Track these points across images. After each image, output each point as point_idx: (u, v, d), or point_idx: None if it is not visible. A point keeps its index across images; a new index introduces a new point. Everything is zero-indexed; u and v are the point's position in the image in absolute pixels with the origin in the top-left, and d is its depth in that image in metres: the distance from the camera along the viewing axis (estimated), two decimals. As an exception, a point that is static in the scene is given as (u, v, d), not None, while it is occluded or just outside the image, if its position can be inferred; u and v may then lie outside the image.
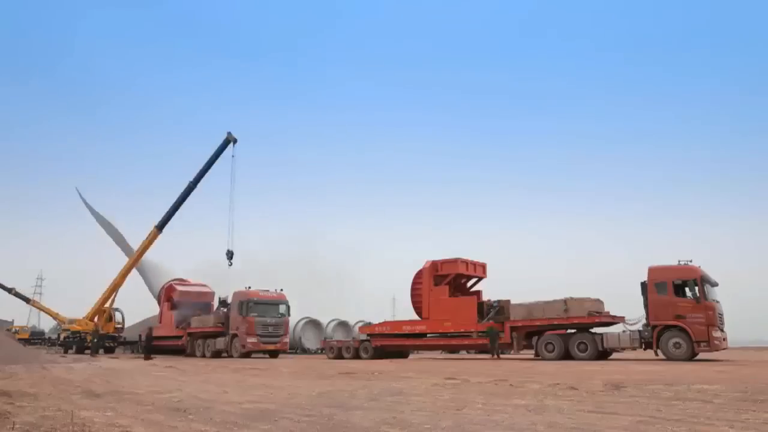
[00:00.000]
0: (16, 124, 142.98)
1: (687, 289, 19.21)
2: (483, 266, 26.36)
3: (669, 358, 18.60)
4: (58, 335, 45.93)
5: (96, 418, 6.09)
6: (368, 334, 26.64)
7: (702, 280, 19.02)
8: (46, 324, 68.52)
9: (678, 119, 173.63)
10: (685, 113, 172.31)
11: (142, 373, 14.28)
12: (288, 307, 27.58)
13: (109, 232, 40.60)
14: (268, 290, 27.66)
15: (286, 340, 28.01)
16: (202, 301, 32.18)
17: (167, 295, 32.60)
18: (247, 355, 25.82)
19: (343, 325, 38.34)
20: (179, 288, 32.54)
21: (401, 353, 26.89)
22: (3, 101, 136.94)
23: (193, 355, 28.69)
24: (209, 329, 28.17)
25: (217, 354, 27.27)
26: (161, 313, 33.11)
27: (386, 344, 25.60)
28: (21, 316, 71.29)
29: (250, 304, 26.36)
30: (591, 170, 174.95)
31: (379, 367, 16.70)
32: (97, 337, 33.36)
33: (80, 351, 34.04)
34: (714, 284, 20.02)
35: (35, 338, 55.42)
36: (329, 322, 37.78)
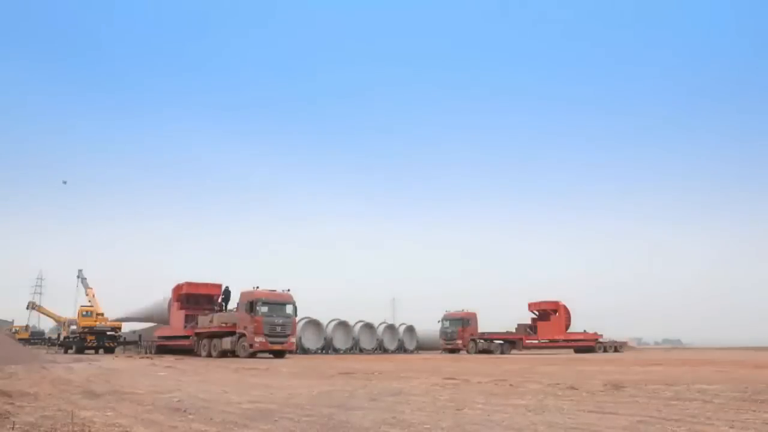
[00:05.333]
0: (15, 123, 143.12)
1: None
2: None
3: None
4: (58, 335, 45.97)
5: (96, 418, 6.09)
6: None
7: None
8: (46, 324, 68.47)
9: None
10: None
11: (142, 373, 14.27)
12: (295, 307, 27.32)
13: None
14: (275, 290, 27.41)
15: (293, 340, 27.83)
16: (210, 293, 32.13)
17: (175, 294, 32.75)
18: (253, 354, 25.68)
19: (343, 325, 38.35)
20: (186, 283, 32.63)
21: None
22: (3, 100, 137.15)
23: (199, 354, 28.73)
24: (216, 329, 28.13)
25: (223, 354, 26.95)
26: (170, 313, 33.28)
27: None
28: (21, 316, 71.30)
29: (258, 303, 26.10)
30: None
31: (379, 366, 16.70)
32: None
33: (80, 351, 34.05)
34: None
35: (35, 338, 55.37)
36: (329, 322, 37.78)
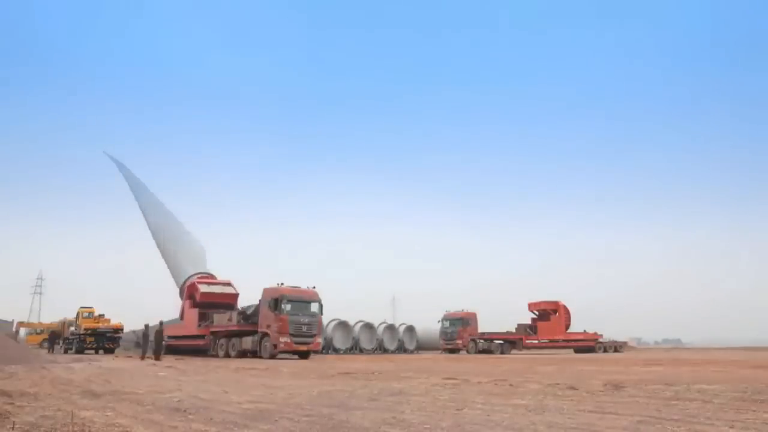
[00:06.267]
0: (15, 123, 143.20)
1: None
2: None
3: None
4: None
5: (96, 418, 6.09)
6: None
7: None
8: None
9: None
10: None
11: (142, 373, 14.27)
12: (321, 306, 25.53)
13: (140, 197, 38.93)
14: (299, 286, 25.52)
15: (320, 340, 25.92)
16: (225, 302, 29.90)
17: (189, 293, 30.67)
18: (275, 355, 23.91)
19: (343, 324, 38.37)
20: (202, 288, 30.11)
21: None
22: (3, 99, 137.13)
23: (216, 355, 26.71)
24: (234, 328, 26.31)
25: (242, 354, 25.17)
26: (182, 310, 31.31)
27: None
28: (21, 317, 71.24)
29: (283, 301, 24.29)
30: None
31: (379, 367, 16.70)
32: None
33: (80, 351, 34.00)
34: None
35: None
36: (329, 322, 37.81)
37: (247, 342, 25.20)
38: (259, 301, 25.43)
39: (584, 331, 42.64)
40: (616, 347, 44.63)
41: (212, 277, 32.62)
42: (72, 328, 37.44)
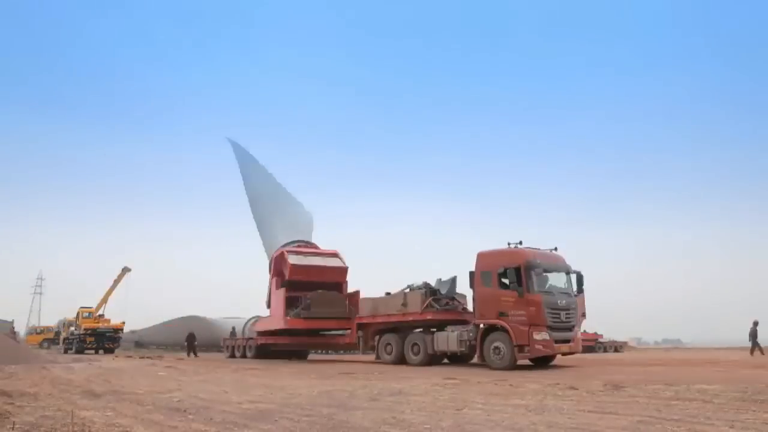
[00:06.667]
0: (15, 124, 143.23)
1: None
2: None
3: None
4: (56, 335, 46.03)
5: (96, 418, 6.09)
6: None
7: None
8: (46, 324, 68.35)
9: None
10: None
11: (142, 373, 14.27)
12: (580, 279, 16.07)
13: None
14: (538, 248, 16.05)
15: (579, 334, 16.35)
16: (329, 281, 21.74)
17: (276, 269, 22.36)
18: (514, 364, 14.58)
19: None
20: (291, 259, 21.43)
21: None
22: (3, 102, 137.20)
23: (380, 358, 18.54)
24: (414, 318, 17.42)
25: (434, 359, 17.10)
26: (269, 295, 23.24)
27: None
28: (21, 316, 71.26)
29: (533, 271, 14.81)
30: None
31: (379, 367, 16.69)
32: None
33: (80, 351, 34.01)
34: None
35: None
36: None
37: (443, 340, 16.78)
38: (471, 273, 16.18)
39: (584, 331, 42.62)
40: (616, 347, 44.64)
41: (313, 246, 24.11)
42: (72, 328, 37.44)
